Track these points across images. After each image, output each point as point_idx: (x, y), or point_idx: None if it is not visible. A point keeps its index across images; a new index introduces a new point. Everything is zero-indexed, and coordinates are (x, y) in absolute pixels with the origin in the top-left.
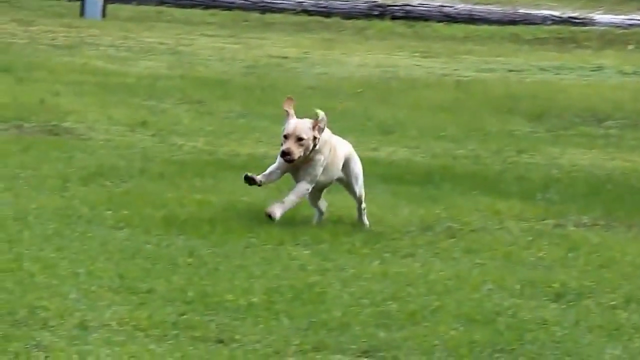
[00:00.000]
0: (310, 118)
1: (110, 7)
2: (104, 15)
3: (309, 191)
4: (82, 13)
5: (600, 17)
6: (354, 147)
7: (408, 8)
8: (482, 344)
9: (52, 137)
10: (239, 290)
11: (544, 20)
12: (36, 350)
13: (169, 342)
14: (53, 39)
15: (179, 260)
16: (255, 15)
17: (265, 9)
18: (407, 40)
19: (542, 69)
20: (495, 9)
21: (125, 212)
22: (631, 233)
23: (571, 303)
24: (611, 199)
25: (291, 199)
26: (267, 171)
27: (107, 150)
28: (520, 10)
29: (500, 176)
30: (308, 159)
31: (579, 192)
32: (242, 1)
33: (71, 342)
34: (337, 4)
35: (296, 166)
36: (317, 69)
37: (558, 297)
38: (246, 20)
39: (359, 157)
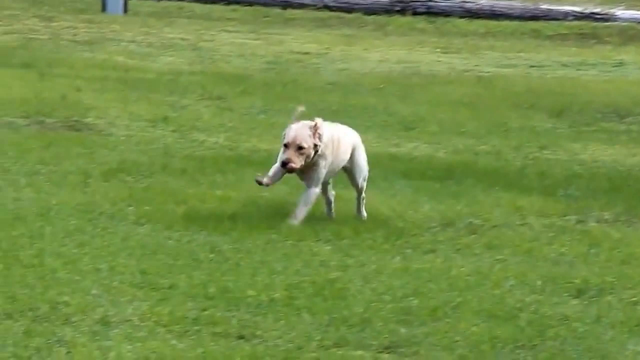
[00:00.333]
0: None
1: (131, 2)
2: (125, 10)
3: (319, 192)
4: (103, 9)
5: (621, 12)
6: (374, 143)
7: (430, 4)
8: (503, 340)
9: (74, 132)
10: (260, 286)
11: (565, 16)
12: (58, 345)
13: (191, 337)
14: (74, 35)
15: (201, 256)
16: (276, 11)
17: (286, 5)
18: (428, 36)
19: (564, 65)
20: (516, 4)
21: (147, 207)
22: None
23: (593, 299)
24: (633, 194)
25: (303, 209)
26: (271, 173)
27: (128, 146)
28: (542, 6)
29: (521, 172)
30: (311, 164)
31: (601, 188)
32: None
33: (93, 337)
34: None
35: (300, 175)
36: (338, 65)
37: (579, 293)
38: (267, 16)
39: (381, 153)
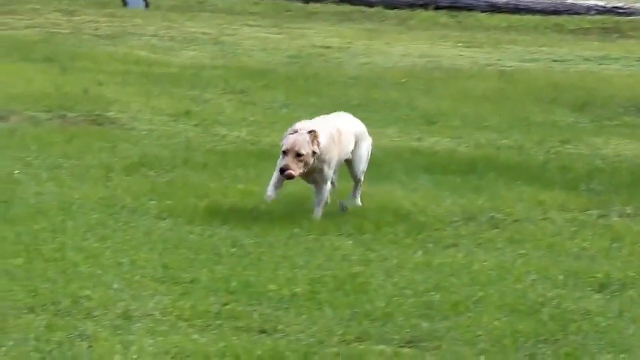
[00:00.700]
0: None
1: None
2: (147, 5)
3: (330, 186)
4: (125, 3)
5: None
6: (397, 137)
7: None
8: (525, 335)
9: (96, 127)
10: (282, 281)
11: (588, 10)
12: (80, 340)
13: (213, 332)
14: (96, 29)
15: (223, 250)
16: (298, 5)
17: None
18: (450, 30)
19: (586, 60)
20: None
21: (169, 202)
22: None
23: (615, 294)
24: None
25: (321, 208)
26: (272, 183)
27: (150, 141)
28: (566, 1)
29: (544, 167)
30: (316, 170)
31: (623, 182)
32: None
33: (115, 332)
34: None
35: (306, 177)
36: (361, 59)
37: (602, 287)
38: (289, 10)
39: (403, 147)
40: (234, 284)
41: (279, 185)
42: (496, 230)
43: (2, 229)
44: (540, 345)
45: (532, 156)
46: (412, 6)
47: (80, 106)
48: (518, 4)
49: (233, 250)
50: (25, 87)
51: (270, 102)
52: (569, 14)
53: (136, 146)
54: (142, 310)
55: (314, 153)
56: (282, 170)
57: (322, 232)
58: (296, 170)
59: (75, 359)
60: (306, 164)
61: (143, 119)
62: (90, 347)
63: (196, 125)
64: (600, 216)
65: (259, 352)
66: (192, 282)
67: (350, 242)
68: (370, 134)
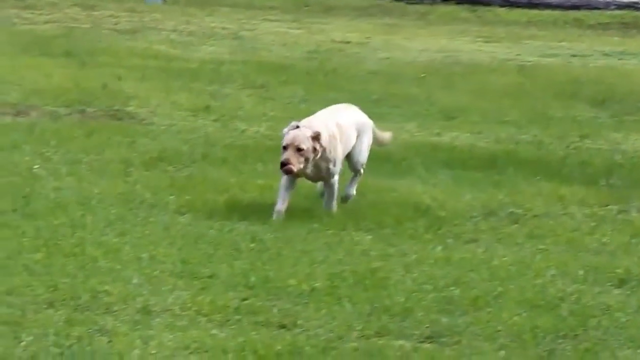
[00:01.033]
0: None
1: None
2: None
3: (338, 178)
4: None
5: None
6: (416, 132)
7: None
8: (545, 330)
9: (115, 121)
10: (301, 276)
11: (607, 5)
12: (99, 335)
13: (232, 327)
14: (116, 24)
15: (242, 245)
16: None
17: None
18: (469, 24)
19: (605, 54)
20: None
21: (188, 197)
22: None
23: (635, 289)
24: None
25: (333, 202)
26: (282, 197)
27: (169, 135)
28: None
29: (563, 161)
30: (322, 170)
31: None
32: None
33: (134, 326)
34: None
35: (311, 177)
36: (379, 54)
37: (622, 282)
38: (307, 5)
39: (422, 142)
40: (252, 278)
41: (286, 198)
42: (515, 225)
43: (22, 224)
44: (559, 341)
45: (551, 151)
46: (432, 0)
47: (100, 101)
48: None
49: (252, 245)
50: (44, 81)
51: (289, 96)
52: (588, 9)
53: (155, 141)
54: (161, 305)
55: (315, 150)
56: (282, 165)
57: (341, 227)
58: (296, 164)
59: (95, 353)
60: (306, 159)
61: (162, 114)
62: (109, 341)
63: (215, 120)
64: (620, 211)
65: (278, 347)
66: (211, 276)
67: (370, 237)
68: (389, 128)
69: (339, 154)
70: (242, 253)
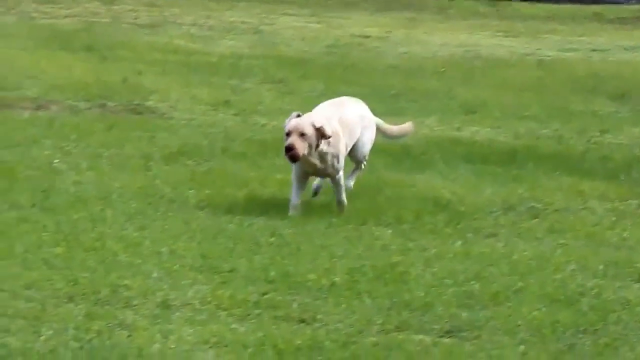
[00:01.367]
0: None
1: None
2: None
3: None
4: None
5: None
6: (436, 127)
7: None
8: (565, 325)
9: (135, 116)
10: (321, 270)
11: None
12: (119, 329)
13: (251, 321)
14: (136, 18)
15: (261, 240)
16: None
17: None
18: (489, 19)
19: (625, 49)
20: None
21: (208, 191)
22: None
23: None
24: None
25: (343, 195)
26: (295, 196)
27: (189, 130)
28: None
29: (583, 156)
30: (327, 167)
31: None
32: None
33: (154, 321)
34: None
35: (318, 172)
36: (399, 49)
37: None
38: None
39: (442, 137)
40: (272, 273)
41: (301, 192)
42: (535, 220)
43: (42, 218)
44: (579, 335)
45: (571, 145)
46: None
47: (120, 95)
48: None
49: (272, 239)
50: (65, 76)
51: (309, 91)
52: (607, 3)
53: (175, 135)
54: (181, 299)
55: (320, 136)
56: (287, 149)
57: (361, 221)
58: (301, 148)
59: (114, 348)
60: (310, 145)
61: (182, 108)
62: (129, 336)
63: (235, 115)
64: None
65: (298, 342)
66: (230, 271)
67: (390, 232)
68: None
69: (342, 150)
70: (261, 247)
